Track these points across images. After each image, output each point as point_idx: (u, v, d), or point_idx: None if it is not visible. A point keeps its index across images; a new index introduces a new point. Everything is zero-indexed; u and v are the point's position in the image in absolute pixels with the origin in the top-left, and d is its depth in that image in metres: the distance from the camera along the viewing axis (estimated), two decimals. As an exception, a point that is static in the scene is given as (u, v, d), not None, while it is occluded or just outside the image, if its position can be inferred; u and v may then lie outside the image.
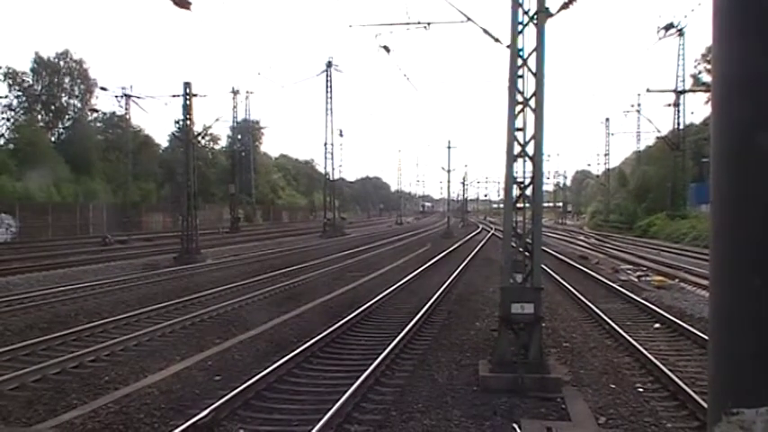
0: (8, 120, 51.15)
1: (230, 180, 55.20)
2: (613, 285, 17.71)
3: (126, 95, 47.71)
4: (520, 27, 8.36)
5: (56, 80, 53.67)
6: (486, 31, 9.63)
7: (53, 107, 54.15)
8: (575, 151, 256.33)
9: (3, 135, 50.17)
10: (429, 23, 16.00)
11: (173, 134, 54.68)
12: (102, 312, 13.27)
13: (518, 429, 6.46)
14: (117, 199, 48.95)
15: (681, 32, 38.43)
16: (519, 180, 8.61)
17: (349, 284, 18.30)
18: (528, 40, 8.37)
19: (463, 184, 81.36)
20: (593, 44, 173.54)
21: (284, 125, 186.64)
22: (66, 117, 54.93)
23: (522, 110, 8.46)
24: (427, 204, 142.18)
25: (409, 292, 16.54)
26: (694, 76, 50.06)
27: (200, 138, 46.36)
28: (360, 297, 15.36)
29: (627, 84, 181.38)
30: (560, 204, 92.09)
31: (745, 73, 1.39)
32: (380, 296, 14.90)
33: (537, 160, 8.47)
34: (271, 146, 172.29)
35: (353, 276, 20.18)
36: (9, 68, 51.33)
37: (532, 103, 8.40)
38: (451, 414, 7.07)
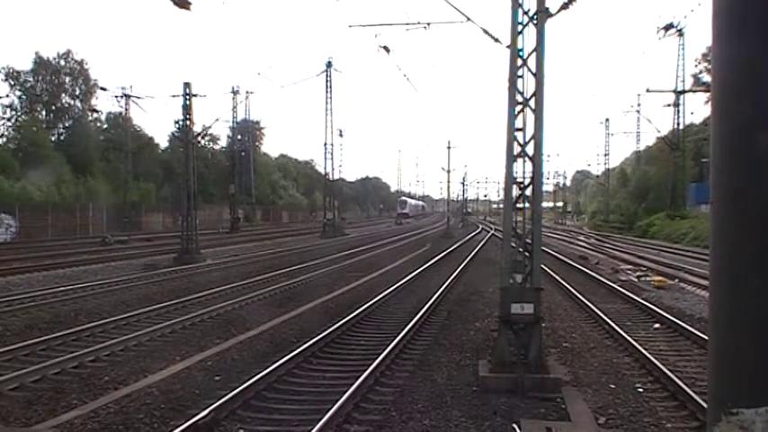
0: (9, 120, 51.29)
1: (230, 180, 55.20)
2: (613, 285, 17.71)
3: (126, 95, 47.78)
4: (520, 27, 8.37)
5: (56, 80, 53.74)
6: (485, 32, 9.63)
7: (54, 107, 54.20)
8: (575, 151, 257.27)
9: (4, 135, 50.30)
10: (429, 23, 16.08)
11: (173, 134, 54.72)
12: (102, 312, 13.26)
13: (518, 429, 6.46)
14: (117, 199, 48.95)
15: (680, 33, 38.44)
16: (519, 180, 8.61)
17: (349, 284, 18.29)
18: (528, 40, 8.38)
19: (463, 184, 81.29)
20: (592, 44, 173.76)
21: (284, 125, 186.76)
22: (67, 117, 55.00)
23: (522, 110, 8.46)
24: (411, 202, 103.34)
25: (409, 292, 16.53)
26: (694, 76, 50.20)
27: (199, 138, 46.34)
28: (359, 297, 15.36)
29: (627, 84, 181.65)
30: (560, 204, 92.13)
31: (745, 73, 1.39)
32: (380, 296, 14.90)
33: (537, 160, 8.46)
34: (271, 146, 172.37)
35: (353, 276, 20.16)
36: (10, 68, 51.52)
37: (532, 103, 8.40)
38: (451, 414, 7.07)
